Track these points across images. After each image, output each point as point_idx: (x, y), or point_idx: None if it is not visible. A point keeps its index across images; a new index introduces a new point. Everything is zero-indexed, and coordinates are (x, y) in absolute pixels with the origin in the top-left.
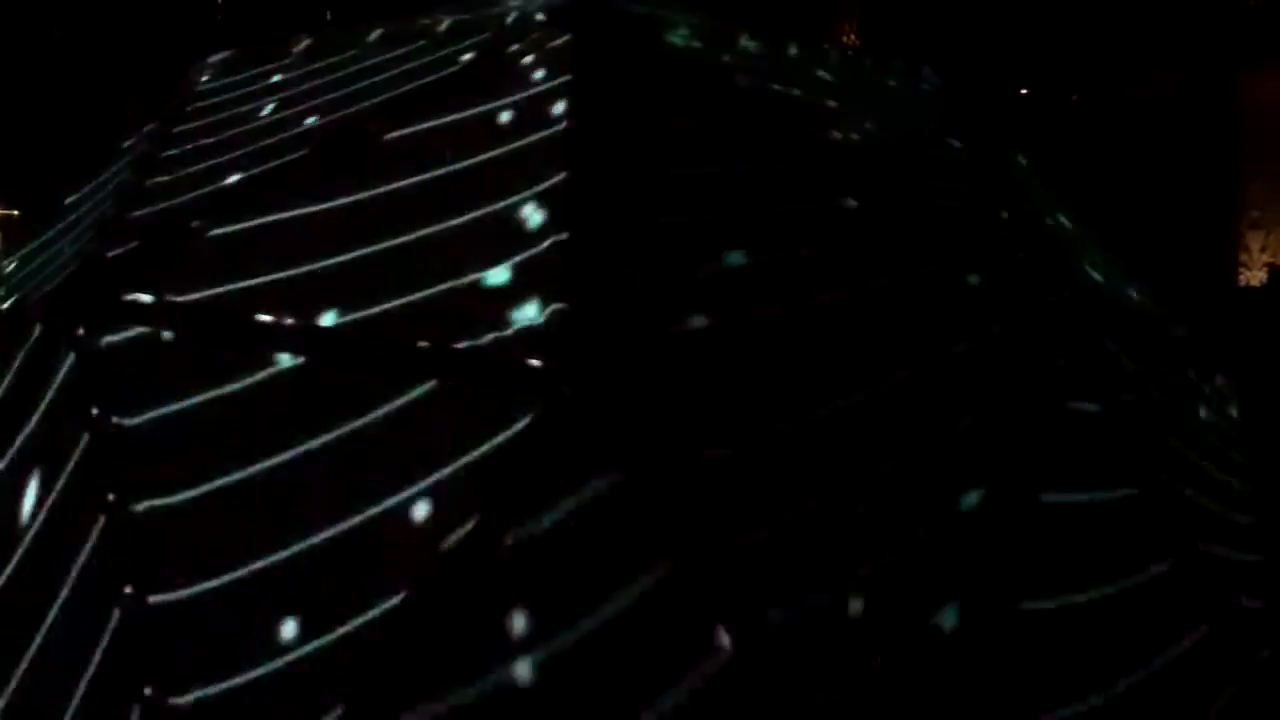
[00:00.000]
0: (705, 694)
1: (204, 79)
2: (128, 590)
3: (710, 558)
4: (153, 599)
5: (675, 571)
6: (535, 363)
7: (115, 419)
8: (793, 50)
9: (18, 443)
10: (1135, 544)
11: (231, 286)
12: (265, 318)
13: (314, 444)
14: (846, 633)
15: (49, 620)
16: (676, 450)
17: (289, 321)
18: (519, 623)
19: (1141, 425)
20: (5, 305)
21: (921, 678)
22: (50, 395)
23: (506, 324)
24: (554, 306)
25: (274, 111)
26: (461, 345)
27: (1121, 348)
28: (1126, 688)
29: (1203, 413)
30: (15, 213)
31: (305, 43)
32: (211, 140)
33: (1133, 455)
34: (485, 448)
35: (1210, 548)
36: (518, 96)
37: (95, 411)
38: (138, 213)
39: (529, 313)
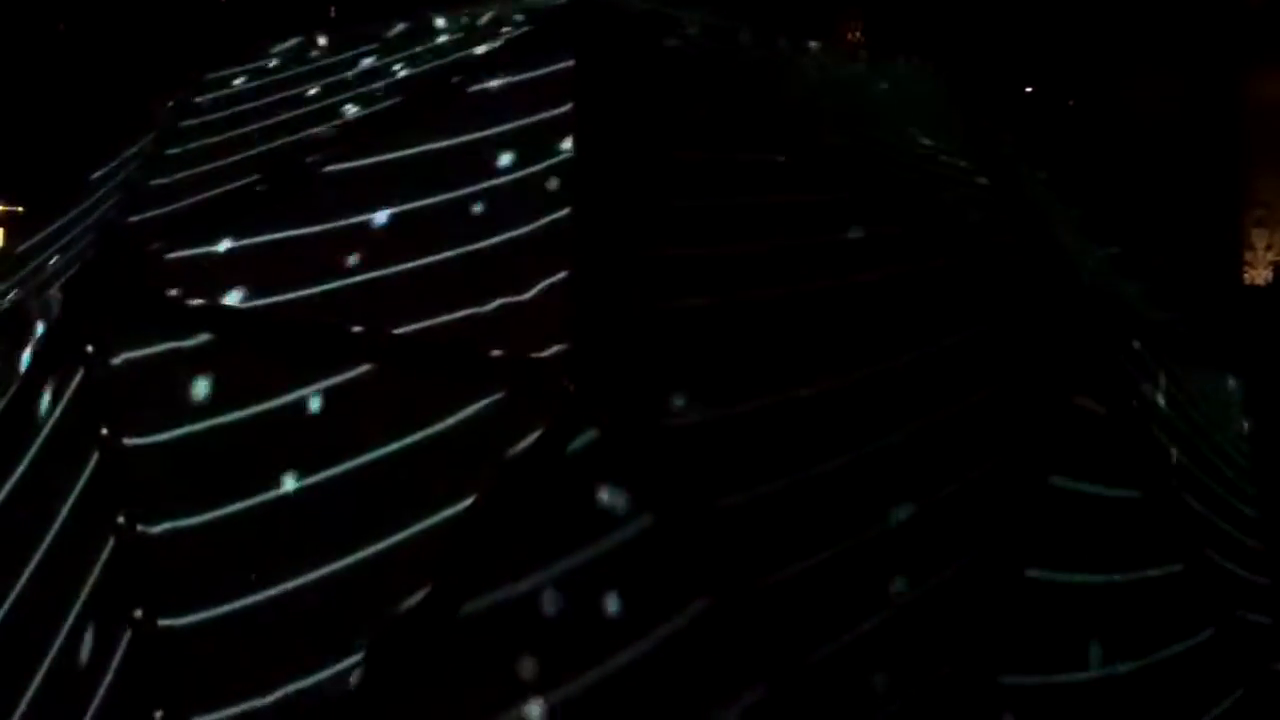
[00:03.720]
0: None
1: (211, 79)
2: (138, 614)
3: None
4: (163, 623)
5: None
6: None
7: (125, 440)
8: (797, 50)
9: (24, 437)
10: (1143, 542)
11: (243, 297)
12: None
13: (321, 476)
14: (852, 597)
15: (58, 643)
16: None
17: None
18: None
19: (1149, 432)
20: (10, 301)
21: (925, 635)
22: (58, 422)
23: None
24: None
25: (278, 115)
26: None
27: (1127, 350)
28: (1130, 670)
29: (1207, 425)
30: (20, 209)
31: (310, 42)
32: (213, 145)
33: (1141, 458)
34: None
35: (1218, 558)
36: (520, 102)
37: (105, 433)
38: (139, 217)
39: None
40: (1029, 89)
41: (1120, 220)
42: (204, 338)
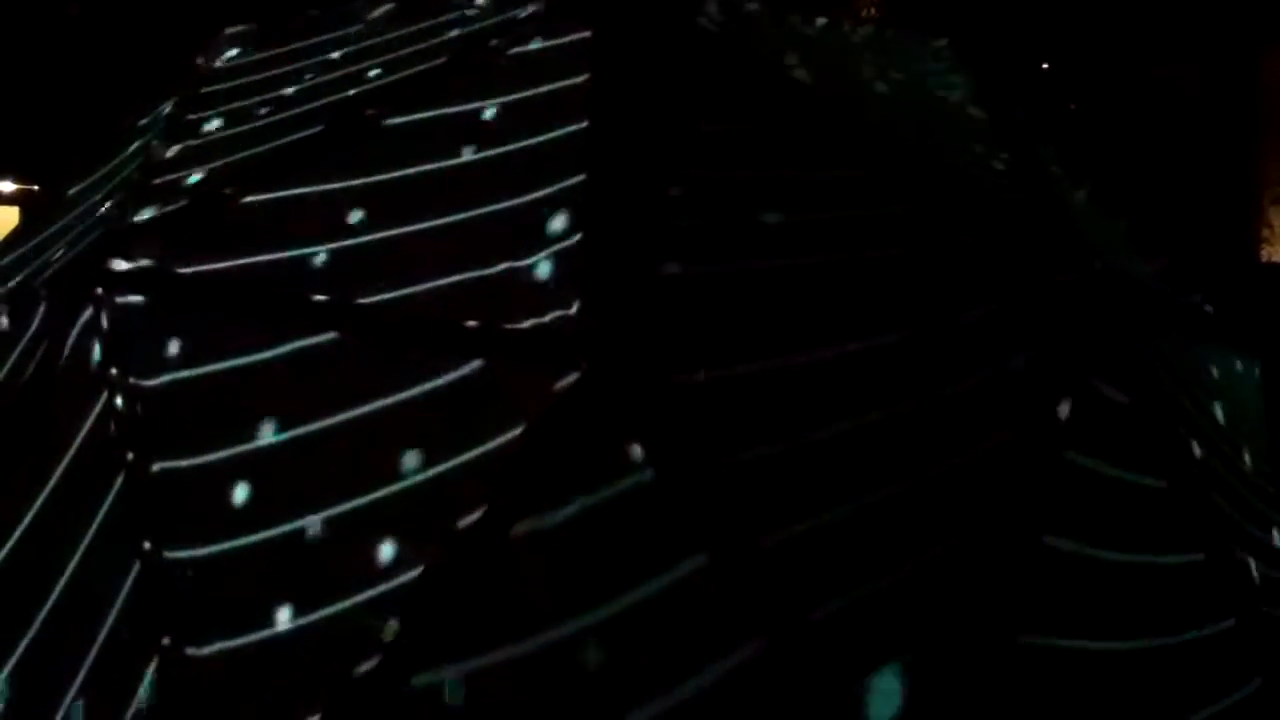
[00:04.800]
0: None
1: (227, 52)
2: (146, 545)
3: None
4: (169, 554)
5: (708, 565)
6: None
7: (134, 380)
8: (811, 24)
9: (35, 407)
10: (1164, 529)
11: (257, 259)
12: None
13: (339, 418)
14: (858, 557)
15: (68, 573)
16: (705, 440)
17: (315, 297)
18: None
19: (1172, 422)
20: (24, 278)
21: (939, 593)
22: (68, 363)
23: (537, 310)
24: (583, 295)
25: (301, 83)
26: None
27: (1146, 335)
28: (1146, 648)
29: (1227, 414)
30: (35, 187)
31: (329, 15)
32: (237, 111)
33: (1164, 449)
34: (506, 436)
35: (1240, 551)
36: (540, 74)
37: (114, 372)
38: (160, 179)
39: (557, 297)
40: (1045, 65)
41: (1137, 198)
42: (212, 298)
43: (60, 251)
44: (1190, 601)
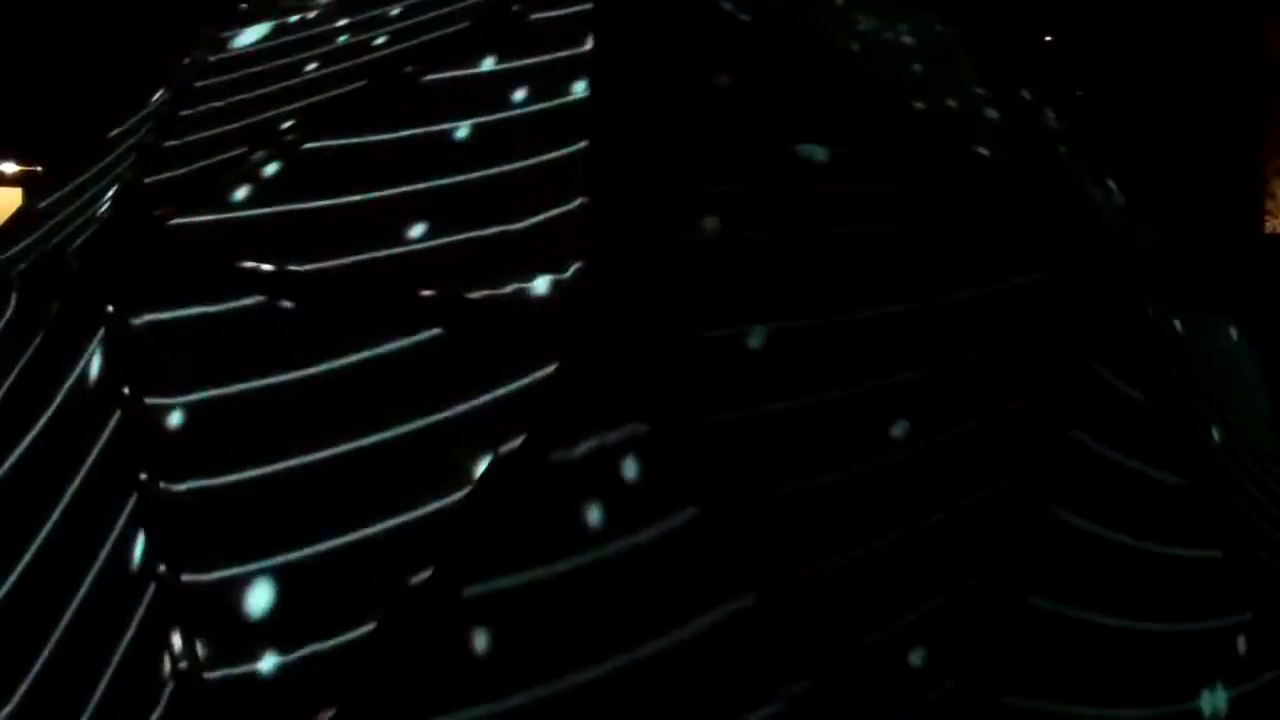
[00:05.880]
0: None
1: (230, 31)
2: (143, 477)
3: (738, 516)
4: (163, 485)
5: (700, 521)
6: (559, 314)
7: (133, 320)
8: None
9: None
10: (1179, 522)
11: (247, 215)
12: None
13: (324, 368)
14: (859, 523)
15: (59, 509)
16: (700, 408)
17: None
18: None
19: (1186, 415)
20: (34, 260)
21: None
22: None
23: (530, 275)
24: (579, 262)
25: (301, 54)
26: (483, 294)
27: (1155, 316)
28: (1158, 630)
29: (1234, 404)
30: (38, 168)
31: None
32: (235, 83)
33: (1179, 443)
34: (502, 392)
35: (1258, 550)
36: (543, 45)
37: (111, 309)
38: (175, 142)
39: (554, 265)
40: (1048, 38)
41: (1140, 171)
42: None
43: (85, 207)
44: (1206, 593)
